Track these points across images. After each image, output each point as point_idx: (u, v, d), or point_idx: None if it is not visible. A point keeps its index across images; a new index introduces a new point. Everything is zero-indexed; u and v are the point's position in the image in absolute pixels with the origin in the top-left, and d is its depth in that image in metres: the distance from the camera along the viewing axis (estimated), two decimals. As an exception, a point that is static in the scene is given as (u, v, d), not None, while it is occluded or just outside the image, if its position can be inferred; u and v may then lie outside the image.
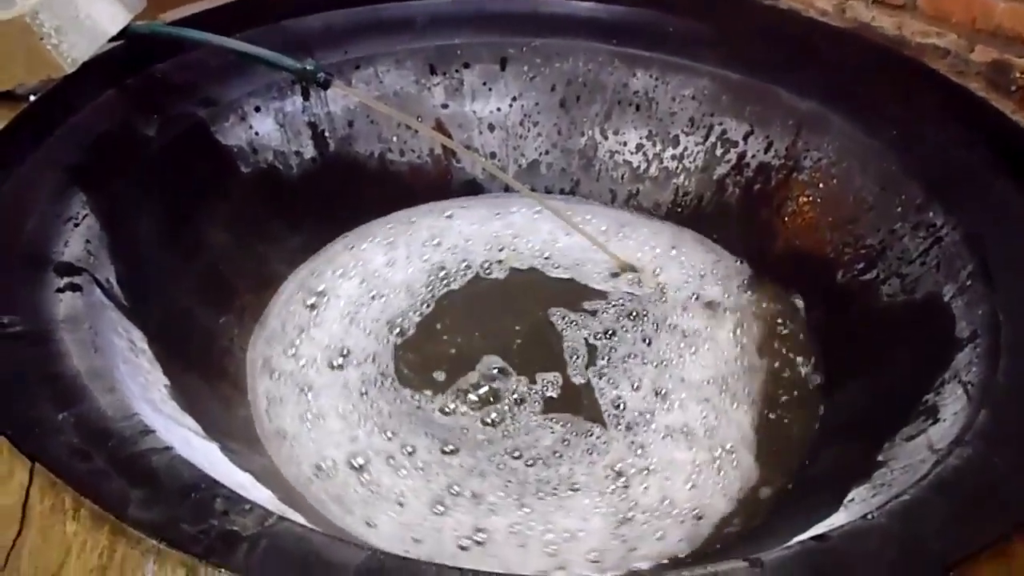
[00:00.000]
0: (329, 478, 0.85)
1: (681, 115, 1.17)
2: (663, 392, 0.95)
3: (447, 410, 0.93)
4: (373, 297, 1.06)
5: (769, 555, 0.57)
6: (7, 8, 0.87)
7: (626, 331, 1.03)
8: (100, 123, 0.95)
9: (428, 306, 1.06)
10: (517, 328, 1.03)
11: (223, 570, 0.53)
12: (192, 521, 0.56)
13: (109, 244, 0.85)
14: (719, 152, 1.15)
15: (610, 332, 1.02)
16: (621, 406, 0.94)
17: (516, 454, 0.89)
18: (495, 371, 0.97)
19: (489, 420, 0.92)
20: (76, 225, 0.83)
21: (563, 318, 1.05)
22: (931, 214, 0.92)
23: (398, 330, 1.03)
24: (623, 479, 0.86)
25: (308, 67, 0.99)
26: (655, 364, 0.99)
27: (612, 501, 0.85)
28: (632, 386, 0.96)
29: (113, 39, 0.97)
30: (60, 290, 0.76)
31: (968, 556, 0.57)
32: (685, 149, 1.18)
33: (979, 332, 0.79)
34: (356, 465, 0.86)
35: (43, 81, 0.95)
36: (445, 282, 1.10)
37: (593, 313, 1.05)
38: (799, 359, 1.00)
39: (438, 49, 1.19)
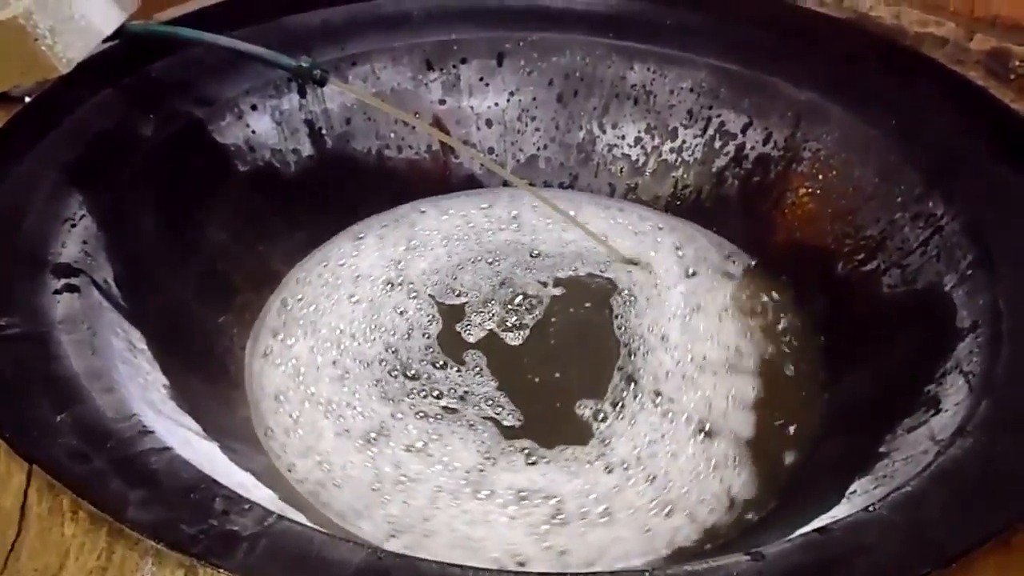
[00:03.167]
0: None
1: (679, 108, 1.17)
2: (659, 391, 0.95)
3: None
4: (374, 292, 1.06)
5: (770, 548, 0.57)
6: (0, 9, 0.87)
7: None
8: (96, 123, 0.94)
9: (432, 303, 1.06)
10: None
11: (222, 570, 0.53)
12: (191, 521, 0.56)
13: (106, 245, 0.85)
14: (718, 144, 1.15)
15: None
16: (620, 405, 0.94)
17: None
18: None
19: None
20: (73, 226, 0.83)
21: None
22: (931, 204, 0.91)
23: (403, 321, 1.02)
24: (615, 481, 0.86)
25: (304, 64, 0.99)
26: (651, 358, 0.98)
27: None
28: (629, 385, 0.96)
29: (108, 39, 0.97)
30: (57, 292, 0.76)
31: (971, 547, 0.56)
32: (683, 142, 1.17)
33: (980, 322, 0.78)
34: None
35: (38, 82, 0.95)
36: (445, 278, 1.09)
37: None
38: (799, 351, 0.99)
39: (434, 45, 1.18)
